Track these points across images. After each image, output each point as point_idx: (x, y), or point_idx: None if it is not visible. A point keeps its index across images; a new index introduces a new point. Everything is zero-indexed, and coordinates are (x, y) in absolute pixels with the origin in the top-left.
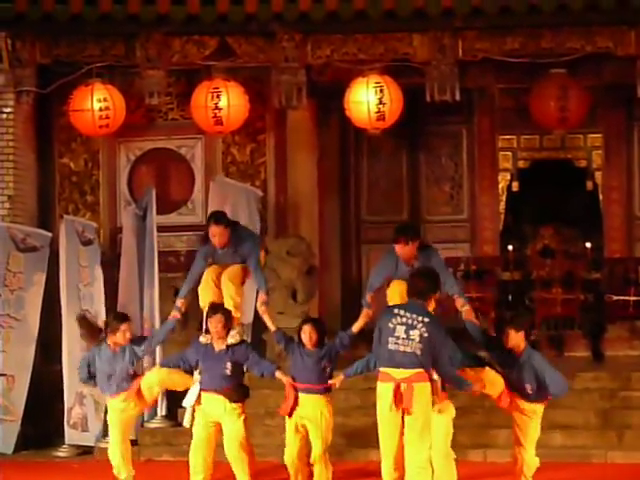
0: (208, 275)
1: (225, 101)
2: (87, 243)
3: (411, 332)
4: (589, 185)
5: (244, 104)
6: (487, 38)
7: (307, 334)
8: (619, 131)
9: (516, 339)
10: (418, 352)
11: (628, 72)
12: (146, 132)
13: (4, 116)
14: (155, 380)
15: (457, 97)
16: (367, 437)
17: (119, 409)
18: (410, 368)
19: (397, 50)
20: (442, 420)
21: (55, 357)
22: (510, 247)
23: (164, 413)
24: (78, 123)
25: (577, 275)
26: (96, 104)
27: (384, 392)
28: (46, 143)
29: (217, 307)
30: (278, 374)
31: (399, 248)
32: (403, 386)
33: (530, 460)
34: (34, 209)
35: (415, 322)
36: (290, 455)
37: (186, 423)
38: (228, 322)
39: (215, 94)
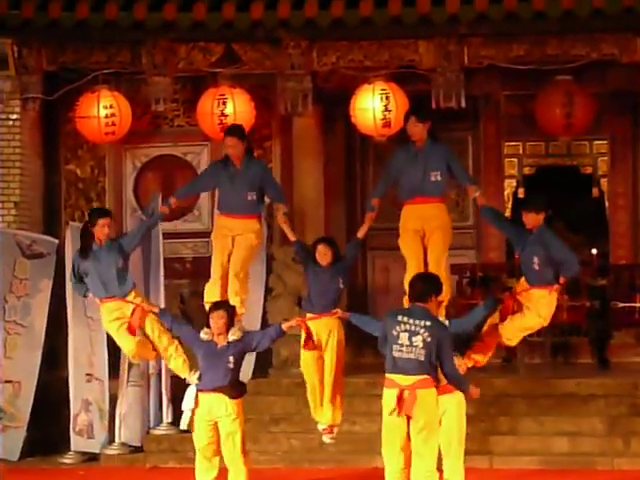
0: (216, 273)
1: (231, 108)
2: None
3: (414, 338)
4: (595, 192)
5: (250, 111)
6: (492, 45)
7: (322, 253)
8: (625, 138)
9: (537, 221)
10: (422, 358)
11: (634, 79)
12: (152, 139)
13: (10, 123)
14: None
15: (463, 104)
16: (372, 444)
17: (111, 309)
18: (414, 374)
19: (403, 57)
20: (454, 411)
21: (61, 364)
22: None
23: (170, 420)
24: (84, 130)
25: (583, 282)
26: (102, 111)
27: (388, 398)
28: (52, 150)
29: (220, 303)
30: (285, 325)
31: (410, 125)
32: (406, 393)
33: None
34: (40, 216)
35: (417, 328)
36: (306, 370)
37: (184, 425)
38: (230, 319)
39: (221, 101)
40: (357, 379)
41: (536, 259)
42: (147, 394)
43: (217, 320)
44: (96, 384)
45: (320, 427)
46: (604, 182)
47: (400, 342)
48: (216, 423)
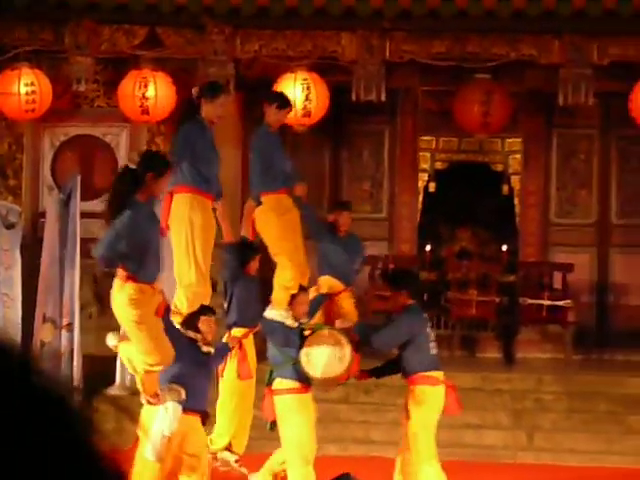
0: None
1: (153, 91)
2: (10, 226)
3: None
4: (505, 189)
5: (171, 95)
6: (414, 40)
7: (256, 262)
8: (539, 137)
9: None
10: None
11: (550, 80)
12: (71, 118)
13: None
14: None
15: (383, 97)
16: None
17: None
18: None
19: (325, 48)
20: None
21: None
22: (428, 247)
23: (80, 399)
24: (3, 106)
25: (492, 277)
26: (23, 88)
27: (438, 395)
28: None
29: (210, 308)
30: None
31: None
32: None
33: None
34: None
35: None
36: (242, 400)
37: (155, 455)
38: None
39: (143, 83)
40: None
41: None
42: (59, 373)
43: (212, 325)
44: None
45: (233, 458)
46: (515, 180)
47: (432, 339)
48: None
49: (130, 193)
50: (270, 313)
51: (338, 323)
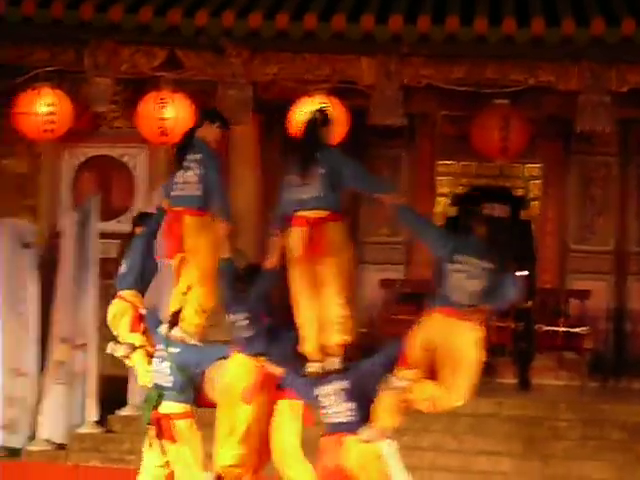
0: None
1: (172, 112)
2: (26, 246)
3: None
4: (524, 214)
5: (190, 116)
6: (433, 65)
7: None
8: (557, 163)
9: None
10: None
11: (568, 106)
12: (90, 139)
13: None
14: None
15: (401, 122)
16: None
17: None
18: None
19: (344, 72)
20: None
21: None
22: None
23: (95, 419)
24: (23, 126)
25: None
26: (42, 108)
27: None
28: None
29: None
30: None
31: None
32: None
33: None
34: None
35: None
36: None
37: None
38: None
39: (161, 105)
40: None
41: None
42: (73, 392)
43: None
44: (24, 380)
45: None
46: (534, 205)
47: None
48: None
49: None
50: (176, 330)
51: None
